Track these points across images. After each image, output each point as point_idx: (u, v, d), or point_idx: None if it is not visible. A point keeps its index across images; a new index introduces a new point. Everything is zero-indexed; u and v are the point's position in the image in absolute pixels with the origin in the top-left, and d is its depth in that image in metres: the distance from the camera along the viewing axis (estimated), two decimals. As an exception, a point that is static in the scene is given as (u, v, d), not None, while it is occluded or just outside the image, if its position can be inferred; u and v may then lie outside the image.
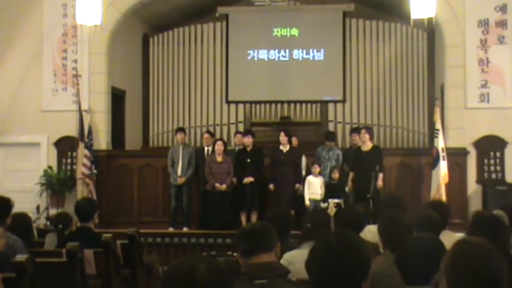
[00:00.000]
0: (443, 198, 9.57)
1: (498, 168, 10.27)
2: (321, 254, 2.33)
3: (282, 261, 4.04)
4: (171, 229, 10.03)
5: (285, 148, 9.91)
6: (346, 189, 9.73)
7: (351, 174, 9.68)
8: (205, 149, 10.32)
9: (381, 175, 9.45)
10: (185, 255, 9.14)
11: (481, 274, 2.15)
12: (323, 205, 9.56)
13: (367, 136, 9.67)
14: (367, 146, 9.66)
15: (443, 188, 9.64)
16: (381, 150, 9.96)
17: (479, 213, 4.23)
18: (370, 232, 5.01)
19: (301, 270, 2.44)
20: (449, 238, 3.75)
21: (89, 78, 10.90)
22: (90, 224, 5.91)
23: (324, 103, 12.61)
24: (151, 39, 13.15)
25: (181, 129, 10.62)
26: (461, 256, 2.22)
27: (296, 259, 4.01)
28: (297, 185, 9.83)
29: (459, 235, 4.83)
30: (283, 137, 9.92)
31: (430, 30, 11.95)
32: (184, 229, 10.04)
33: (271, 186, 9.82)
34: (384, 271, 3.21)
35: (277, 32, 12.28)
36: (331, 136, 10.65)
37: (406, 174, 10.55)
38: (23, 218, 5.79)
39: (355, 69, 12.56)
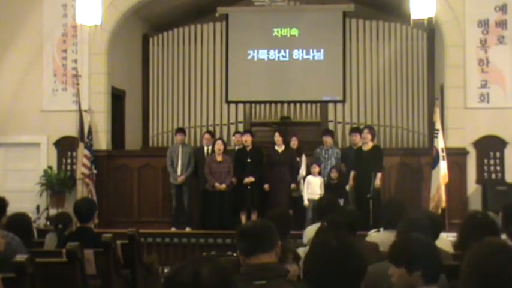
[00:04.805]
0: (443, 198, 9.58)
1: (498, 168, 10.27)
2: (320, 256, 2.33)
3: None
4: (173, 229, 10.04)
5: (280, 148, 9.92)
6: (347, 187, 9.73)
7: (352, 173, 9.67)
8: (205, 148, 10.32)
9: (379, 175, 9.46)
10: (185, 256, 9.20)
11: (490, 275, 2.15)
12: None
13: (369, 136, 9.67)
14: (368, 145, 9.66)
15: (443, 188, 9.64)
16: (381, 150, 9.97)
17: (472, 215, 4.23)
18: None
19: None
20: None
21: (89, 78, 10.91)
22: (90, 224, 5.91)
23: (324, 103, 12.60)
24: (151, 39, 13.14)
25: (181, 130, 10.63)
26: (473, 257, 2.23)
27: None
28: (293, 185, 9.83)
29: (445, 236, 4.86)
30: (277, 137, 9.95)
31: (430, 30, 11.95)
32: (187, 229, 10.05)
33: (266, 186, 9.83)
34: (386, 270, 3.21)
35: (277, 32, 12.27)
36: (329, 131, 10.63)
37: (406, 174, 10.54)
38: (22, 218, 5.78)
39: (355, 69, 12.56)
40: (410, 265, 2.92)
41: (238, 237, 3.02)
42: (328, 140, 10.18)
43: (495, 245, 2.28)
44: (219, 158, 9.83)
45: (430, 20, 8.80)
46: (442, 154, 9.70)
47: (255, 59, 12.33)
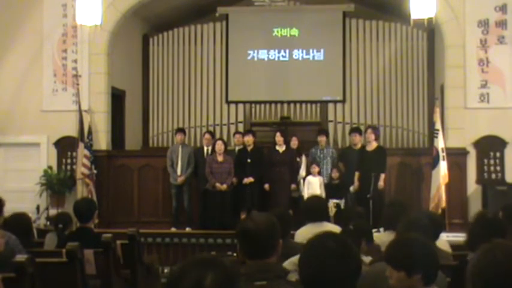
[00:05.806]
0: (443, 198, 9.58)
1: (498, 168, 10.26)
2: (320, 256, 2.32)
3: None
4: (173, 229, 10.04)
5: (281, 148, 9.91)
6: (351, 189, 9.69)
7: (357, 174, 9.64)
8: (205, 148, 10.32)
9: (382, 175, 9.43)
10: (185, 256, 9.19)
11: (505, 281, 2.12)
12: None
13: (373, 136, 9.65)
14: (372, 146, 9.64)
15: (443, 188, 9.64)
16: (385, 150, 9.93)
17: (482, 214, 4.21)
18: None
19: None
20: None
21: (89, 78, 10.90)
22: (90, 224, 5.91)
23: (324, 103, 12.60)
24: (151, 39, 13.14)
25: (181, 130, 10.64)
26: (484, 262, 2.19)
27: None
28: (293, 186, 9.83)
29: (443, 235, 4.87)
30: (279, 138, 9.95)
31: (430, 30, 11.95)
32: (187, 229, 10.04)
33: (266, 186, 9.83)
34: (385, 271, 3.22)
35: (277, 32, 12.28)
36: (324, 131, 10.62)
37: (406, 174, 10.54)
38: (22, 218, 5.78)
39: (355, 69, 12.56)
40: (410, 269, 2.89)
41: (239, 238, 2.89)
42: (322, 139, 10.17)
43: (508, 249, 2.23)
44: (220, 158, 9.83)
45: (430, 20, 8.79)
46: (442, 154, 9.70)
47: (255, 59, 12.33)
